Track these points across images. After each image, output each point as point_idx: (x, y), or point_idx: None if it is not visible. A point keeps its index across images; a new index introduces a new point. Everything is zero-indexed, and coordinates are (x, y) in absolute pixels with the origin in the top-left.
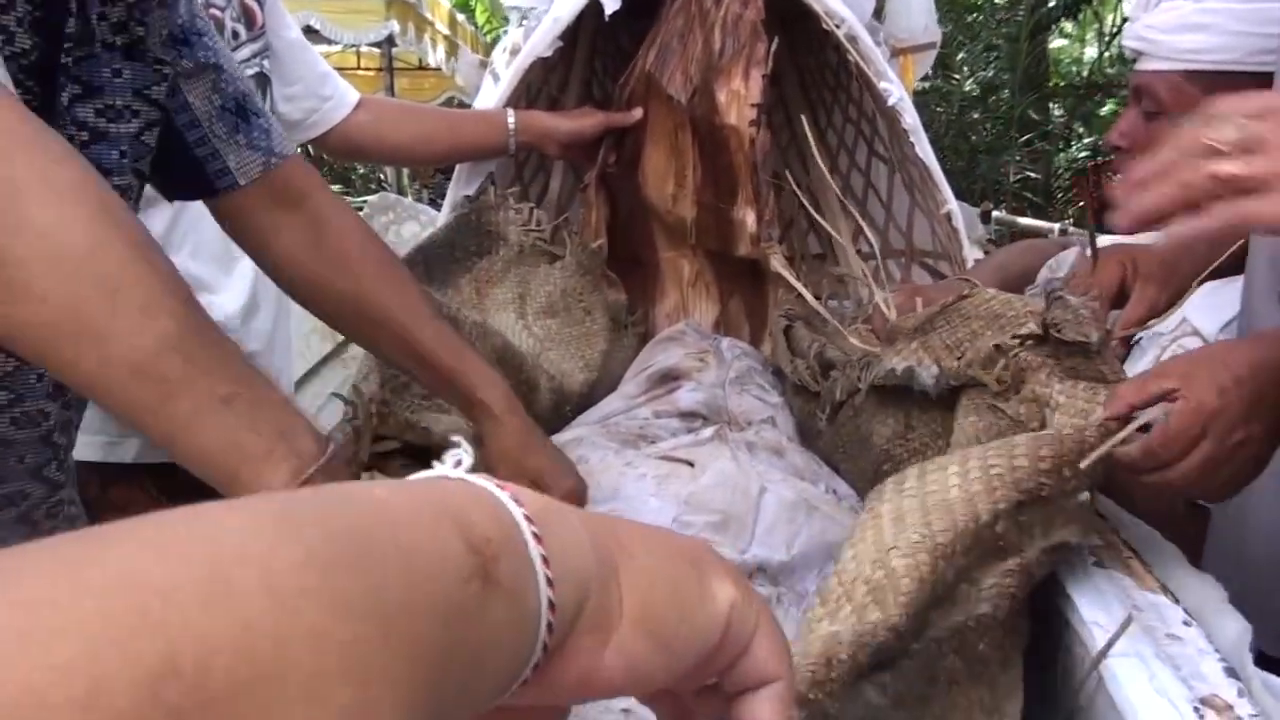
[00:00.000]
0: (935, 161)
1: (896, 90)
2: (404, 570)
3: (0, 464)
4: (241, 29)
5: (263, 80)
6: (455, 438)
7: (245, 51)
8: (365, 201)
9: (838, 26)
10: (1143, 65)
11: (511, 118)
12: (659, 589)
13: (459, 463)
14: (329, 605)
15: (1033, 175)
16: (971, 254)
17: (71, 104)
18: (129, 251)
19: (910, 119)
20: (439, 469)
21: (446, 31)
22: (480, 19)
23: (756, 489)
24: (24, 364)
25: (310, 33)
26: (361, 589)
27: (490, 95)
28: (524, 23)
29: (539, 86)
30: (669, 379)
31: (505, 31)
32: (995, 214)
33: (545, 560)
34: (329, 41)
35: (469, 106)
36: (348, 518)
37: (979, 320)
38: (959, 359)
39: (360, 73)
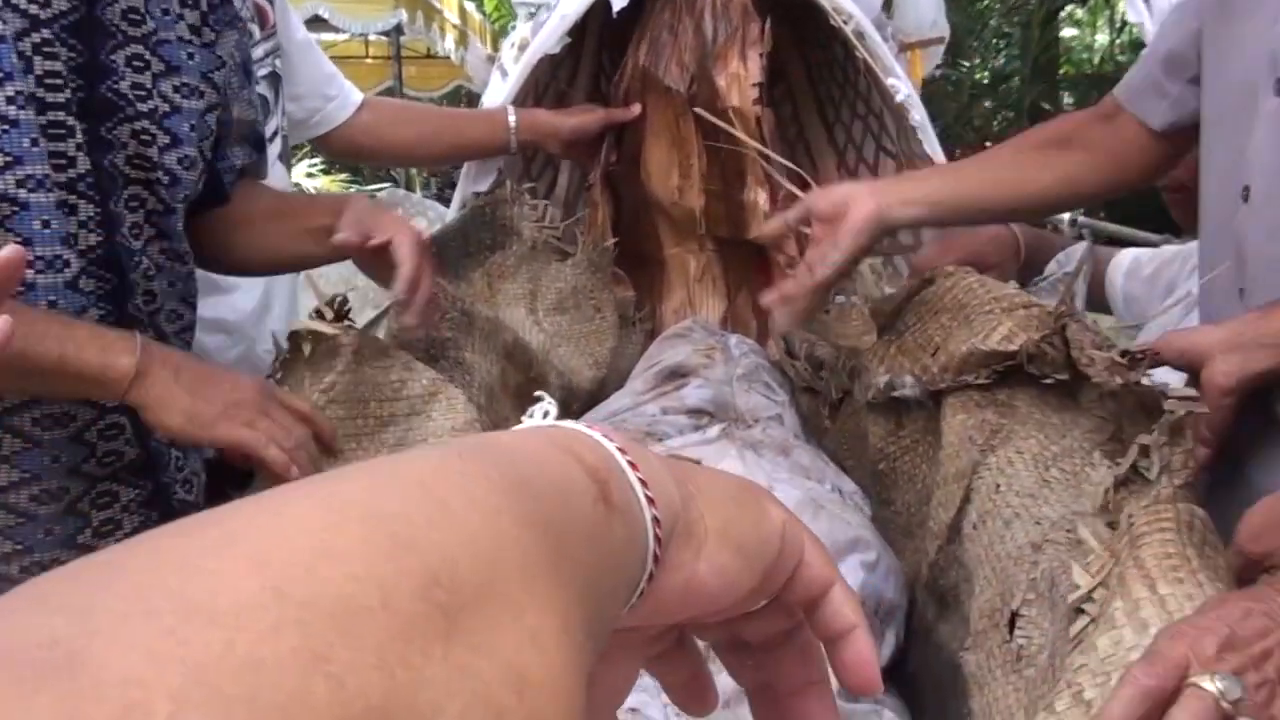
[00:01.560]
0: (944, 158)
1: (904, 87)
2: (558, 494)
3: (26, 536)
4: (255, 29)
5: (275, 79)
6: (538, 393)
7: (259, 50)
8: (374, 192)
9: (845, 23)
10: None
11: (513, 117)
12: (730, 507)
13: (546, 414)
14: (521, 519)
15: None
16: None
17: (157, 79)
18: None
19: (918, 116)
20: (529, 421)
21: (456, 20)
22: (489, 7)
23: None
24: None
25: (319, 21)
26: (537, 509)
27: (498, 91)
28: (532, 17)
29: (547, 82)
30: (676, 376)
31: (514, 25)
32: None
33: (644, 483)
34: (337, 30)
35: (479, 96)
36: (502, 454)
37: (946, 313)
38: (933, 356)
39: (368, 61)
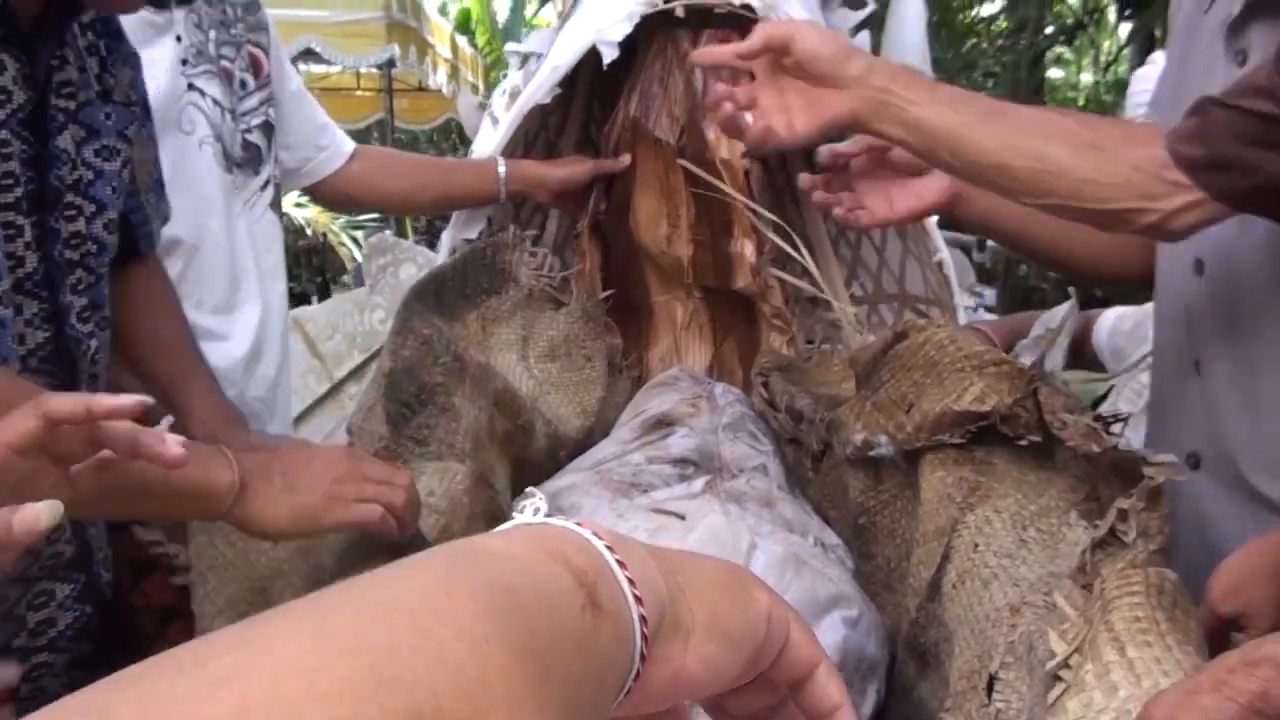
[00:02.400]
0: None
1: None
2: (546, 611)
3: None
4: (250, 78)
5: (268, 129)
6: (529, 489)
7: (253, 100)
8: (364, 228)
9: None
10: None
11: (502, 167)
12: (717, 594)
13: (537, 510)
14: (508, 646)
15: None
16: (962, 301)
17: (80, 147)
18: None
19: None
20: (520, 518)
21: (448, 54)
22: (480, 41)
23: (746, 545)
24: None
25: (310, 55)
26: (524, 630)
27: (489, 139)
28: (524, 65)
29: (537, 131)
30: (662, 425)
31: (507, 63)
32: (990, 243)
33: (631, 583)
34: (328, 63)
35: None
36: (493, 570)
37: (918, 370)
38: (907, 413)
39: (360, 93)
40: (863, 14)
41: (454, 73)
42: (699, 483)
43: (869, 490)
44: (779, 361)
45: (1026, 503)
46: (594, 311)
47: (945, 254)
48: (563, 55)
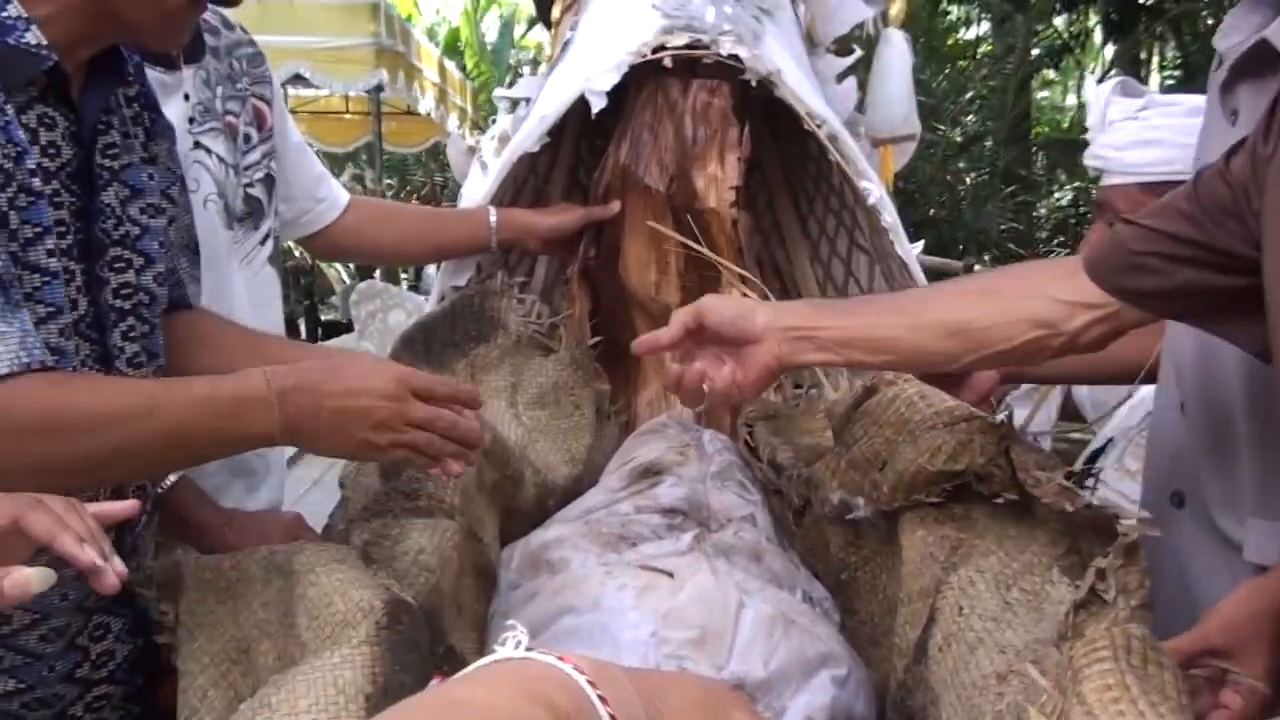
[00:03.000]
0: (914, 259)
1: (876, 190)
2: None
3: (30, 675)
4: (253, 131)
5: (269, 182)
6: (510, 622)
7: (256, 154)
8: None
9: (819, 127)
10: (1104, 181)
11: (493, 216)
12: (696, 718)
13: (519, 643)
14: None
15: (1017, 226)
16: None
17: (124, 204)
18: None
19: (890, 218)
20: (502, 651)
21: (436, 79)
22: (469, 63)
23: (735, 604)
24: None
25: (299, 80)
26: None
27: (478, 185)
28: (513, 111)
29: (525, 176)
30: (651, 473)
31: (494, 120)
32: (977, 269)
33: (613, 718)
34: (316, 87)
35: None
36: None
37: (890, 427)
38: (880, 471)
39: (348, 117)
40: (849, 60)
41: (442, 97)
42: (687, 537)
43: (849, 546)
44: (765, 410)
45: (1009, 560)
46: (583, 359)
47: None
48: (551, 104)
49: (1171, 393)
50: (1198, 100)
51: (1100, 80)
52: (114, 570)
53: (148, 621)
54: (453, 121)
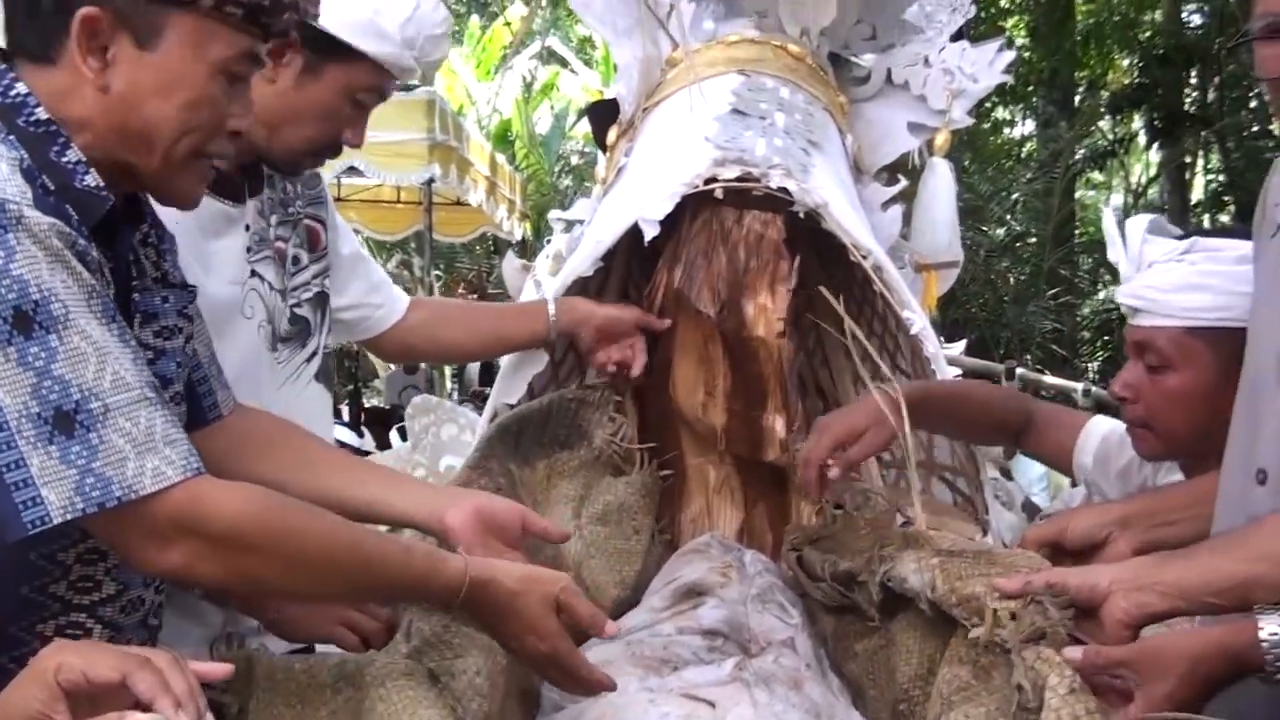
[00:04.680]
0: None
1: (919, 319)
2: None
3: None
4: (304, 253)
5: (321, 300)
6: None
7: (306, 274)
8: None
9: (864, 257)
10: (1142, 321)
11: (552, 306)
12: None
13: None
14: None
15: (1059, 327)
16: (988, 473)
17: (140, 329)
18: None
19: (932, 347)
20: None
21: (486, 172)
22: (519, 154)
23: None
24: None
25: (353, 172)
26: None
27: None
28: (568, 231)
29: (578, 291)
30: (693, 594)
31: (549, 239)
32: (1019, 372)
33: None
34: (368, 177)
35: (505, 243)
36: None
37: (998, 566)
38: (957, 581)
39: (400, 206)
40: (895, 189)
41: (492, 189)
42: (729, 664)
43: (918, 679)
44: (809, 534)
45: None
46: (652, 486)
47: None
48: (606, 230)
49: (1246, 464)
50: (1243, 248)
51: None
52: None
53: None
54: (501, 212)
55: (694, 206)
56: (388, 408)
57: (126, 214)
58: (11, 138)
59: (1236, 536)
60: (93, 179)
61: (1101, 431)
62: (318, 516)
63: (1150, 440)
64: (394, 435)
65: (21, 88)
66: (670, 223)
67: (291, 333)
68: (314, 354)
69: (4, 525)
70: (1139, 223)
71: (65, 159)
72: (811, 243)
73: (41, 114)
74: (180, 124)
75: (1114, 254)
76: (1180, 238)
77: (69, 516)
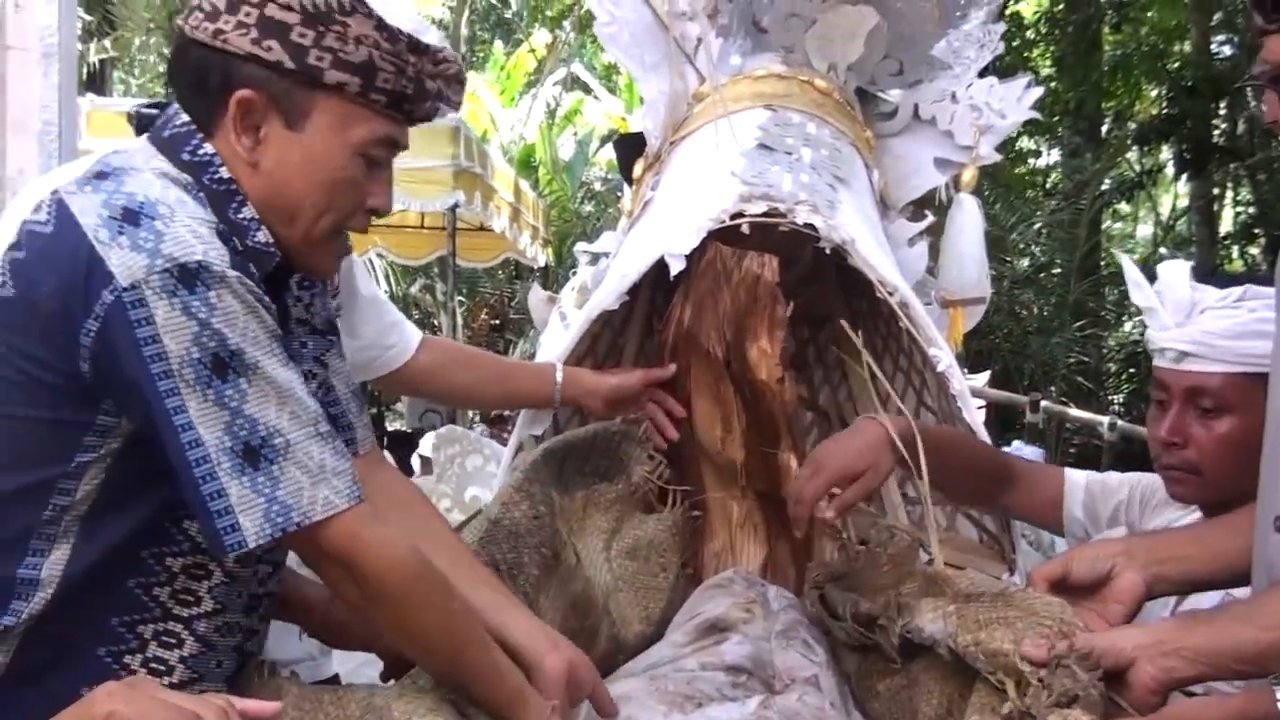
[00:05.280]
0: (981, 425)
1: (946, 357)
2: None
3: (202, 666)
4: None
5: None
6: None
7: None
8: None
9: (891, 294)
10: (1193, 366)
11: (559, 374)
12: None
13: None
14: None
15: (1085, 359)
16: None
17: None
18: None
19: (958, 384)
20: None
21: (510, 198)
22: (542, 179)
23: None
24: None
25: None
26: None
27: (558, 338)
28: (594, 264)
29: (600, 329)
30: (716, 630)
31: (573, 266)
32: (1044, 404)
33: None
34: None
35: (528, 269)
36: None
37: (1016, 609)
38: (980, 631)
39: (424, 231)
40: (922, 225)
41: (515, 215)
42: (753, 703)
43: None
44: (831, 571)
45: None
46: (683, 526)
47: None
48: (631, 264)
49: (1267, 512)
50: None
51: (1170, 224)
52: None
53: None
54: (524, 238)
55: (700, 244)
56: (409, 431)
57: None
58: (202, 195)
59: (1258, 602)
60: (263, 235)
61: (1082, 482)
62: (454, 599)
63: (1193, 484)
64: (414, 460)
65: (209, 148)
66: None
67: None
68: None
69: (211, 545)
70: (1178, 268)
71: (241, 216)
72: (838, 277)
73: (224, 173)
74: (321, 202)
75: (1142, 298)
76: (1209, 275)
77: (261, 541)
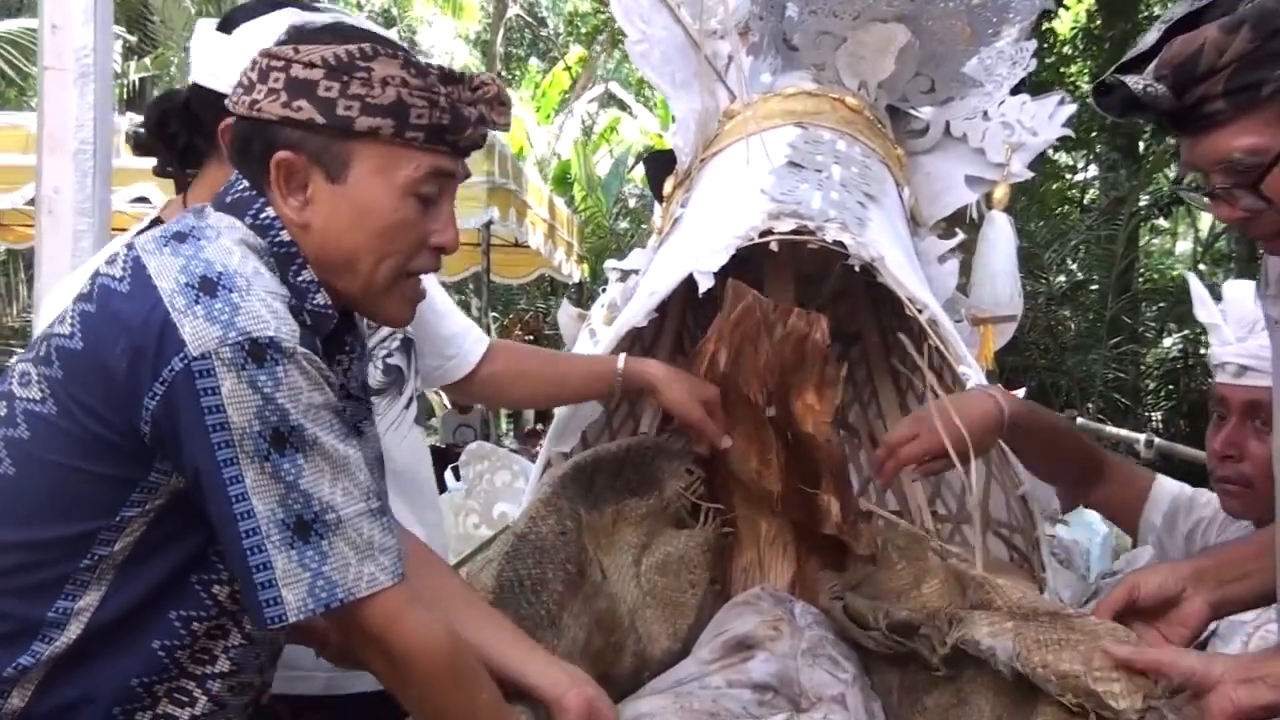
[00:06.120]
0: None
1: (975, 375)
2: None
3: None
4: None
5: (408, 345)
6: None
7: (384, 330)
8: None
9: (920, 312)
10: (1254, 381)
11: (620, 364)
12: None
13: None
14: None
15: (1122, 376)
16: (1046, 530)
17: None
18: None
19: None
20: None
21: (545, 215)
22: (577, 196)
23: None
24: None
25: None
26: None
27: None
28: (623, 281)
29: (630, 344)
30: (743, 647)
31: (603, 289)
32: (1080, 420)
33: None
34: None
35: (562, 285)
36: None
37: (1078, 633)
38: (1046, 653)
39: (459, 249)
40: (952, 243)
41: (550, 232)
42: None
43: None
44: (847, 580)
45: None
46: (715, 543)
47: (1029, 487)
48: (660, 281)
49: None
50: None
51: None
52: None
53: None
54: (559, 255)
55: (734, 289)
56: (443, 446)
57: (339, 325)
58: (271, 259)
59: None
60: (322, 298)
61: (1171, 493)
62: (484, 690)
63: (1247, 499)
64: (448, 475)
65: (270, 211)
66: (721, 277)
67: (386, 383)
68: (410, 400)
69: (252, 615)
70: (1244, 286)
71: (301, 279)
72: (868, 294)
73: (285, 236)
74: (378, 249)
75: (1205, 314)
76: None
77: (301, 616)
